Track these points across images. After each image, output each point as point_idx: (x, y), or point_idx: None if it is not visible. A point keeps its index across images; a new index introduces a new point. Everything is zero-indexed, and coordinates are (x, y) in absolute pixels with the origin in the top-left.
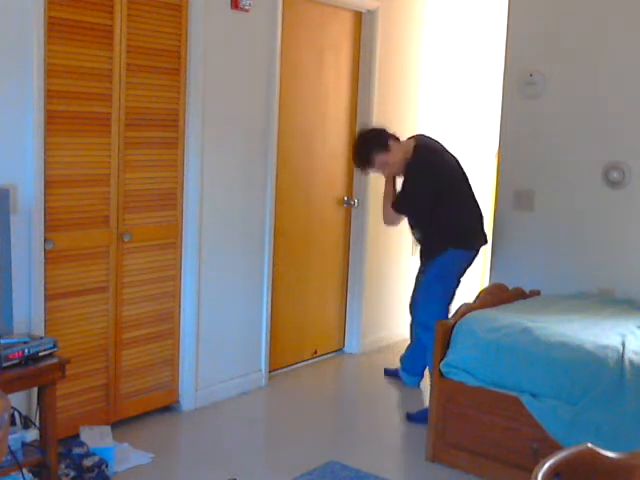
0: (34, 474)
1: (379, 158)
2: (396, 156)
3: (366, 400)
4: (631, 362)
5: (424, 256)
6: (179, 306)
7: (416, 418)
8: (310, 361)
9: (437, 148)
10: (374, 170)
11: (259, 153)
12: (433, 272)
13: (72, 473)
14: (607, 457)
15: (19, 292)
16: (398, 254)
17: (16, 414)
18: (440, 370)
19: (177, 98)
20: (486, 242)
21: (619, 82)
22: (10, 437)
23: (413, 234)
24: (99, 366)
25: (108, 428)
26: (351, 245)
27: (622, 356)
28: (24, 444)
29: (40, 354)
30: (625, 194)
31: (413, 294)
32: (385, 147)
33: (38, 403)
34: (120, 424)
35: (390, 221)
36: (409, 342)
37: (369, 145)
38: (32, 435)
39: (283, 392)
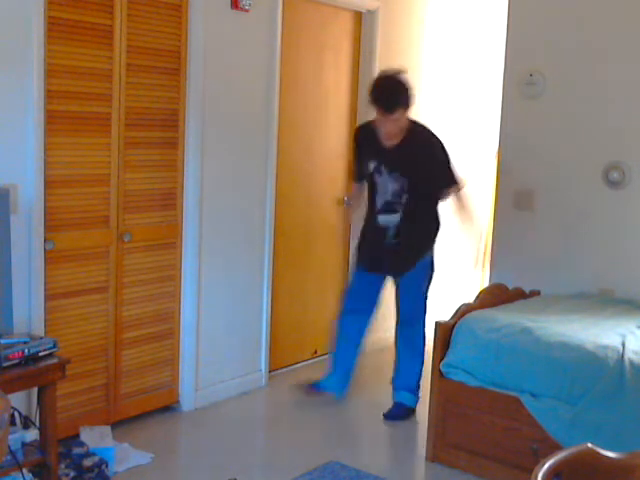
0: (34, 474)
1: (401, 110)
2: (403, 120)
3: (366, 400)
4: (631, 362)
5: (402, 262)
6: (179, 306)
7: (390, 416)
8: (310, 361)
9: None
10: (388, 117)
11: (259, 153)
12: (423, 278)
13: (72, 473)
14: (607, 457)
15: (19, 292)
16: None
17: (16, 414)
18: (440, 370)
19: (177, 98)
20: None
21: (619, 82)
22: (10, 437)
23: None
24: (99, 366)
25: (108, 428)
26: (351, 245)
27: (622, 356)
28: (24, 444)
29: (40, 354)
30: (625, 194)
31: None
32: (408, 104)
33: (38, 403)
34: (120, 424)
35: None
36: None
37: (407, 93)
38: (32, 435)
39: (283, 392)
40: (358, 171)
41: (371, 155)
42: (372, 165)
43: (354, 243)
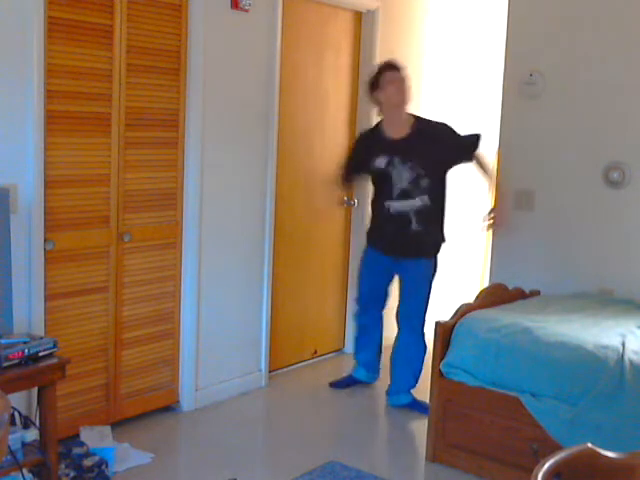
0: (34, 474)
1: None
2: (409, 87)
3: (366, 400)
4: (631, 362)
5: (413, 248)
6: (179, 306)
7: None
8: (310, 361)
9: None
10: (397, 75)
11: (259, 153)
12: (430, 272)
13: (72, 473)
14: (607, 457)
15: (19, 292)
16: None
17: (16, 414)
18: (440, 370)
19: (177, 98)
20: None
21: (619, 82)
22: (10, 437)
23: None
24: (99, 366)
25: (108, 428)
26: (351, 245)
27: (622, 356)
28: (24, 444)
29: (40, 354)
30: (625, 194)
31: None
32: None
33: (38, 403)
34: (120, 424)
35: None
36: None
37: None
38: (32, 435)
39: (283, 392)
40: (351, 171)
41: (379, 152)
42: (383, 161)
43: (354, 244)
